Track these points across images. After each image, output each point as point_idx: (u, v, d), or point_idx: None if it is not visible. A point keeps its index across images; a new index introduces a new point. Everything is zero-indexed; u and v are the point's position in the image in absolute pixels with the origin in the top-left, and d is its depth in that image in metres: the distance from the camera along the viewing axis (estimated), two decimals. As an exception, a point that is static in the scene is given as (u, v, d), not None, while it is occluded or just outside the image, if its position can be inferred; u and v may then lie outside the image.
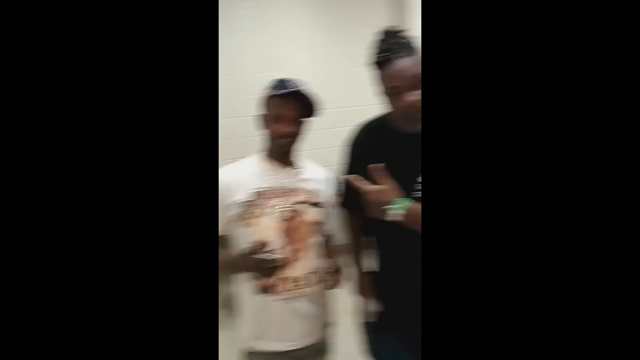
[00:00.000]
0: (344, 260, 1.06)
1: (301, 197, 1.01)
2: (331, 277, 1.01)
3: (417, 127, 0.78)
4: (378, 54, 0.83)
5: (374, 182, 0.85)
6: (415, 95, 0.79)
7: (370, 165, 0.83)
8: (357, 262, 1.09)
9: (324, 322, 1.08)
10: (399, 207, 0.79)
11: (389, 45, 0.82)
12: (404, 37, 0.85)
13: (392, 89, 0.83)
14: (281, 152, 1.01)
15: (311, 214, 1.02)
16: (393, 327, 0.98)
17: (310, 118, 1.02)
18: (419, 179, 0.86)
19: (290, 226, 0.98)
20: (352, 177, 0.89)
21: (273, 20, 2.66)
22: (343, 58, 2.63)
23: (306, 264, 1.00)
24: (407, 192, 0.84)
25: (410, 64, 0.80)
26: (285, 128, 0.97)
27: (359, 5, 2.75)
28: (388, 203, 0.80)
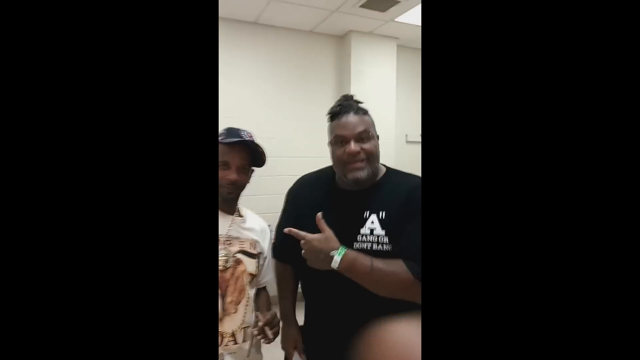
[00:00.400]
0: (276, 314, 1.01)
1: (244, 246, 1.01)
2: (264, 332, 0.94)
3: (355, 175, 0.91)
4: (333, 107, 0.98)
5: (314, 232, 0.89)
6: (355, 147, 0.90)
7: (317, 214, 0.88)
8: (288, 315, 1.07)
9: None
10: (340, 254, 0.83)
11: (342, 103, 0.97)
12: (356, 101, 0.99)
13: (338, 138, 0.93)
14: (226, 199, 1.01)
15: (249, 265, 1.00)
16: None
17: (256, 167, 1.05)
18: (361, 231, 0.91)
19: (230, 276, 0.96)
20: (290, 228, 0.93)
21: (230, 74, 2.82)
22: (300, 112, 2.85)
23: (240, 317, 0.97)
24: (349, 244, 0.88)
25: (357, 120, 0.93)
26: (230, 175, 0.98)
27: (310, 69, 3.10)
28: (328, 251, 0.84)
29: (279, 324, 0.99)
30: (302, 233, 0.85)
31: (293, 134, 3.05)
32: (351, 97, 1.00)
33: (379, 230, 0.90)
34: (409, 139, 3.59)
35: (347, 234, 0.90)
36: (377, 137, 0.98)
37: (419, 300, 0.80)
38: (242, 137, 0.98)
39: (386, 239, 0.89)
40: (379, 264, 0.83)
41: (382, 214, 0.91)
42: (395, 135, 3.27)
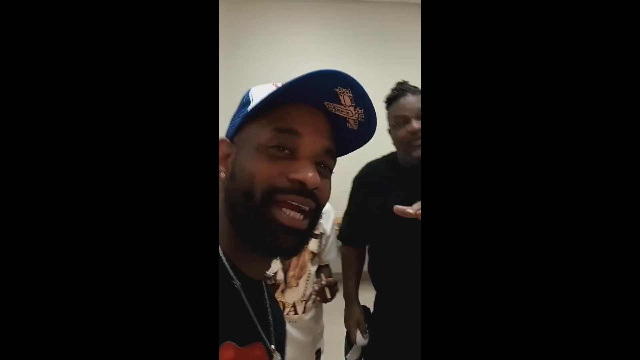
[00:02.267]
0: (336, 281, 1.05)
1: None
2: (323, 291, 1.00)
3: (418, 153, 0.92)
4: (388, 95, 1.00)
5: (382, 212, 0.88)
6: (417, 124, 0.92)
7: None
8: (351, 295, 1.11)
9: (314, 351, 1.09)
10: None
11: (397, 88, 0.99)
12: (412, 85, 1.00)
13: (398, 119, 0.95)
14: None
15: (311, 244, 1.07)
16: None
17: None
18: None
19: None
20: (359, 212, 0.99)
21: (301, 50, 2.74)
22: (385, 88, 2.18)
23: (301, 291, 1.05)
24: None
25: (416, 99, 0.95)
26: None
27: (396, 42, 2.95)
28: None
29: (337, 290, 1.03)
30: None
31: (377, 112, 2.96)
32: (405, 82, 1.00)
33: None
34: None
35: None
36: None
37: None
38: None
39: None
40: None
41: None
42: None
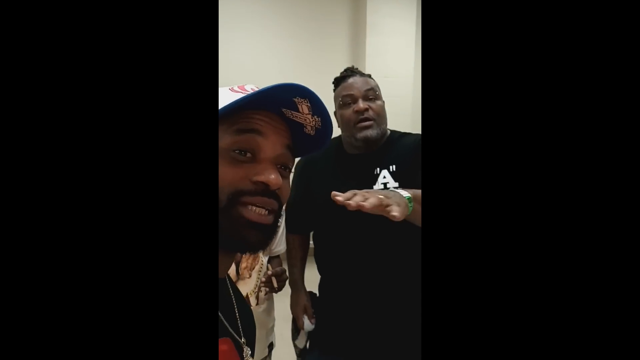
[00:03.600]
0: (285, 270, 1.08)
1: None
2: (270, 281, 1.02)
3: (365, 134, 0.92)
4: (337, 77, 1.01)
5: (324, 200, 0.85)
6: (364, 104, 0.93)
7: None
8: (297, 282, 1.12)
9: (267, 345, 1.10)
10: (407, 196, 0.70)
11: (347, 69, 1.01)
12: (359, 70, 1.02)
13: (345, 98, 0.95)
14: None
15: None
16: (331, 347, 1.00)
17: None
18: (374, 187, 0.94)
19: None
20: (301, 199, 0.99)
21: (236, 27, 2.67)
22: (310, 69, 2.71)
23: (254, 282, 1.05)
24: None
25: (363, 80, 0.96)
26: None
27: (323, 21, 2.90)
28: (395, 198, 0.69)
29: (285, 279, 1.05)
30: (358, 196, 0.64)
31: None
32: (353, 67, 1.02)
33: (393, 183, 0.92)
34: None
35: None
36: (383, 102, 0.99)
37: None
38: None
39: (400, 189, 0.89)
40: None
41: (393, 167, 0.93)
42: (414, 92, 3.10)
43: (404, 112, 3.02)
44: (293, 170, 1.12)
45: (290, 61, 2.96)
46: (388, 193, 0.64)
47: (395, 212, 0.58)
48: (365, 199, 0.59)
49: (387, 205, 0.60)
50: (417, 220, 0.72)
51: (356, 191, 0.61)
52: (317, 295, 1.11)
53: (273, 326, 1.17)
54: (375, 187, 0.92)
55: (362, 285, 0.96)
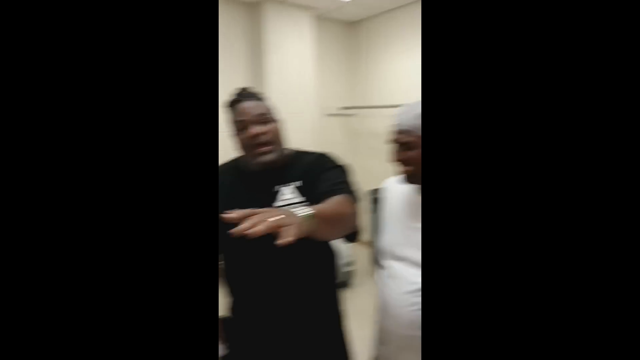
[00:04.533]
0: None
1: None
2: None
3: (262, 160, 0.93)
4: (229, 99, 1.00)
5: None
6: (256, 129, 0.92)
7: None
8: None
9: None
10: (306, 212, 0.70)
11: (237, 93, 1.00)
12: (251, 91, 1.01)
13: (238, 124, 0.95)
14: None
15: None
16: None
17: None
18: (276, 205, 0.94)
19: None
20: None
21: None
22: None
23: None
24: None
25: (254, 104, 0.96)
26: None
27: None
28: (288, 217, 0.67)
29: None
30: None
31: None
32: (245, 89, 1.03)
33: (295, 199, 0.93)
34: (329, 112, 3.61)
35: None
36: (279, 121, 1.00)
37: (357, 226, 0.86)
38: None
39: (306, 205, 0.89)
40: (324, 204, 0.77)
41: (297, 184, 0.95)
42: (315, 109, 3.23)
43: (305, 128, 3.14)
44: None
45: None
46: (284, 212, 0.63)
47: (284, 237, 0.57)
48: (252, 226, 0.57)
49: (278, 227, 0.59)
50: (318, 234, 0.72)
51: (249, 211, 0.60)
52: (229, 318, 1.07)
53: None
54: (276, 204, 0.93)
55: (275, 305, 0.95)
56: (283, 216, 0.60)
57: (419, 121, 0.85)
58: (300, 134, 3.06)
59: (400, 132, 0.89)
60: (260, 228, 0.55)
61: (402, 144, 0.89)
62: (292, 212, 0.66)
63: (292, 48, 3.02)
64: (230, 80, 2.85)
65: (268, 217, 0.58)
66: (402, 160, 0.90)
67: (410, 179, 0.92)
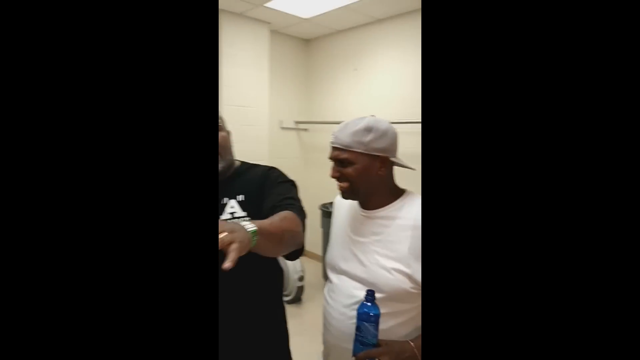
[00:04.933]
0: None
1: None
2: None
3: (221, 164, 0.91)
4: None
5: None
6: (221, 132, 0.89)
7: None
8: None
9: None
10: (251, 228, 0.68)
11: None
12: None
13: None
14: None
15: None
16: None
17: None
18: (221, 217, 0.91)
19: None
20: None
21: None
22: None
23: None
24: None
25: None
26: None
27: None
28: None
29: None
30: None
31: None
32: None
33: (240, 212, 0.92)
34: (283, 125, 3.65)
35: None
36: (227, 131, 0.99)
37: (302, 243, 0.83)
38: None
39: (248, 219, 0.87)
40: (269, 220, 0.76)
41: (241, 197, 0.93)
42: (269, 122, 3.26)
43: (260, 139, 3.13)
44: None
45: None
46: (234, 227, 0.62)
47: (232, 256, 0.56)
48: None
49: (228, 244, 0.58)
50: (262, 251, 0.72)
51: None
52: None
53: None
54: (223, 216, 0.92)
55: (222, 317, 0.93)
56: (230, 232, 0.59)
57: (355, 138, 0.88)
58: (253, 145, 3.05)
59: (336, 149, 0.91)
60: None
61: (338, 160, 0.93)
62: (239, 226, 0.64)
63: (248, 60, 3.03)
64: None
65: (221, 232, 0.57)
66: (338, 176, 0.93)
67: (346, 194, 0.95)
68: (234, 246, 0.57)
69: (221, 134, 0.95)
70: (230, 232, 0.59)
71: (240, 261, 0.60)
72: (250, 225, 0.67)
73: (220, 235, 0.56)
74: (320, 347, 1.07)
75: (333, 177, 0.94)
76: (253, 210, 0.93)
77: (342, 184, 0.93)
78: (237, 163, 1.03)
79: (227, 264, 0.54)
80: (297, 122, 3.74)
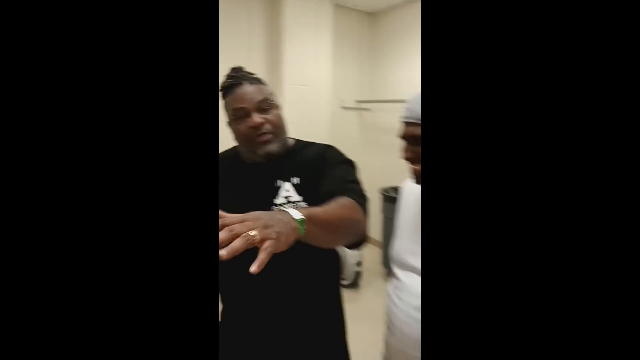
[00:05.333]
0: None
1: None
2: None
3: (266, 150, 0.84)
4: (223, 82, 0.88)
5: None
6: (259, 117, 0.83)
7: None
8: None
9: None
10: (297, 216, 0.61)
11: (233, 75, 0.88)
12: (248, 72, 0.90)
13: (237, 112, 0.85)
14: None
15: None
16: None
17: None
18: (275, 201, 0.85)
19: None
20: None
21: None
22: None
23: None
24: None
25: (255, 89, 0.85)
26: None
27: (235, 28, 2.82)
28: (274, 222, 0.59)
29: None
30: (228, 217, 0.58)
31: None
32: (241, 68, 0.91)
33: (295, 196, 0.85)
34: (345, 105, 3.51)
35: (261, 207, 0.79)
36: (280, 108, 0.91)
37: (363, 233, 0.76)
38: None
39: (304, 205, 0.83)
40: (324, 208, 0.67)
41: (296, 180, 0.86)
42: (331, 101, 3.13)
43: (321, 120, 3.05)
44: None
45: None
46: (268, 220, 0.53)
47: (261, 258, 0.48)
48: (229, 240, 0.47)
49: (259, 242, 0.50)
50: (315, 241, 0.64)
51: (233, 218, 0.51)
52: (220, 323, 1.00)
53: None
54: (277, 200, 0.85)
55: (269, 310, 0.89)
56: (263, 228, 0.50)
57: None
58: (314, 126, 2.98)
59: (411, 124, 0.78)
60: (237, 245, 0.46)
61: (411, 137, 0.79)
62: (278, 218, 0.56)
63: (310, 37, 2.92)
64: (248, 67, 2.81)
65: (250, 228, 0.49)
66: (411, 157, 0.80)
67: (420, 179, 0.81)
68: (266, 244, 0.49)
69: (275, 112, 0.87)
70: (264, 227, 0.50)
71: (292, 247, 0.54)
72: (297, 213, 0.58)
73: (251, 233, 0.48)
74: (377, 337, 0.98)
75: (406, 159, 0.81)
76: (309, 193, 0.84)
77: (416, 167, 0.79)
78: (291, 141, 0.95)
79: (254, 268, 0.46)
80: (359, 102, 3.59)
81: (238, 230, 0.48)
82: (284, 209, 0.63)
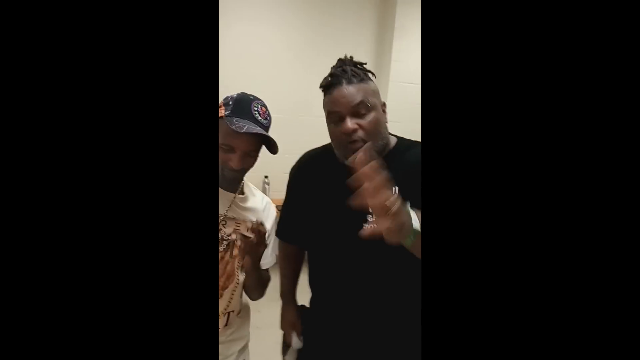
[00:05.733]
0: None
1: (240, 228, 0.91)
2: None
3: (376, 145, 0.79)
4: (324, 78, 0.84)
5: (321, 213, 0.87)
6: (352, 124, 0.77)
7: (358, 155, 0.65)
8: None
9: None
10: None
11: (337, 72, 0.82)
12: (355, 66, 0.83)
13: (331, 116, 0.81)
14: (229, 181, 0.89)
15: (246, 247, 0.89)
16: None
17: (269, 152, 0.89)
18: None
19: (220, 260, 0.89)
20: (296, 208, 0.93)
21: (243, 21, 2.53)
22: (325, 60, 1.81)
23: (225, 303, 0.92)
24: (359, 225, 0.77)
25: (352, 91, 0.78)
26: (233, 161, 0.83)
27: (347, 21, 2.75)
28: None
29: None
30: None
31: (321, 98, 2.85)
32: (348, 60, 0.84)
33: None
34: None
35: (357, 214, 0.75)
36: (384, 104, 0.84)
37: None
38: (254, 118, 0.83)
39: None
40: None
41: (395, 190, 0.77)
42: None
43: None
44: (289, 174, 0.99)
45: (312, 59, 2.82)
46: (403, 214, 0.56)
47: (390, 234, 0.55)
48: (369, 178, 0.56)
49: (388, 216, 0.55)
50: (414, 252, 0.62)
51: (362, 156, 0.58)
52: (308, 308, 1.02)
53: (246, 344, 1.03)
54: None
55: (356, 306, 0.87)
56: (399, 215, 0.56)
57: None
58: (415, 126, 2.75)
59: None
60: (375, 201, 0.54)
61: None
62: (408, 221, 0.58)
63: (419, 32, 2.72)
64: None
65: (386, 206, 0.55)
66: None
67: None
68: (388, 228, 0.56)
69: (372, 115, 0.79)
70: (395, 214, 0.56)
71: (384, 246, 0.57)
72: (417, 224, 0.58)
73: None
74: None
75: None
76: (412, 201, 0.73)
77: None
78: (393, 141, 0.87)
79: (365, 233, 0.57)
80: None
81: (377, 199, 0.55)
82: (413, 210, 0.61)
